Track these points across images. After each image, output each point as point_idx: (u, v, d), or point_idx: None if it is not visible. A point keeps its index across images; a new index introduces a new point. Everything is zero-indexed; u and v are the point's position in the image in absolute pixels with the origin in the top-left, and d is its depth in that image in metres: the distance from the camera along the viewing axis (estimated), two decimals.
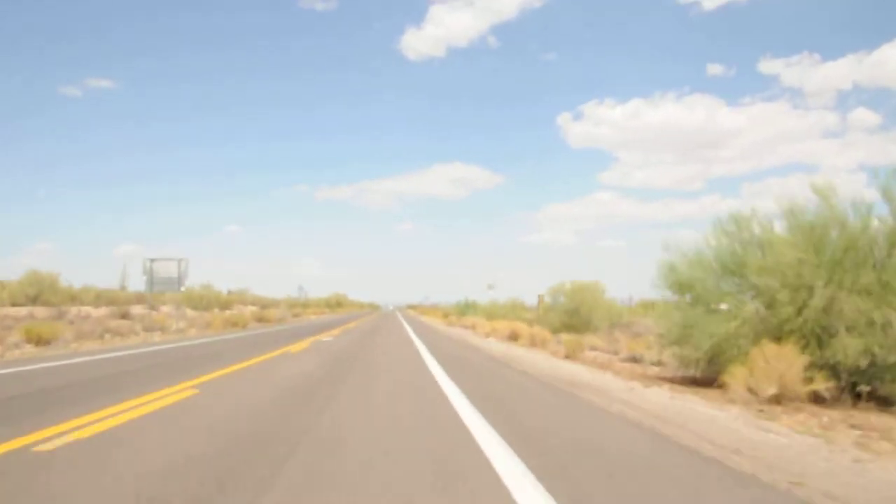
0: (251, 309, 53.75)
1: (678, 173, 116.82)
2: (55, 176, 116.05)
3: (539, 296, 39.28)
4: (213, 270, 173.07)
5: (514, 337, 19.57)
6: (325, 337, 19.49)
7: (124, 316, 29.60)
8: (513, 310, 41.03)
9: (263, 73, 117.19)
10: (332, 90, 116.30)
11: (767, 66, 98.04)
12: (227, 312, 52.53)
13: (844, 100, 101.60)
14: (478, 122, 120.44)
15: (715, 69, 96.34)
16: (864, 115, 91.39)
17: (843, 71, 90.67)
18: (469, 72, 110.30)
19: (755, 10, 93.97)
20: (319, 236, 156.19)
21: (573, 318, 29.84)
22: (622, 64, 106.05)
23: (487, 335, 22.32)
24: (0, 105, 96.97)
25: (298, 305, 68.19)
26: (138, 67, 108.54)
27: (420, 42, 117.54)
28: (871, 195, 7.18)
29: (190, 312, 45.56)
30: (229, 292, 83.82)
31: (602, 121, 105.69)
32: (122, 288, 64.53)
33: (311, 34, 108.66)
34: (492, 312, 39.98)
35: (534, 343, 16.44)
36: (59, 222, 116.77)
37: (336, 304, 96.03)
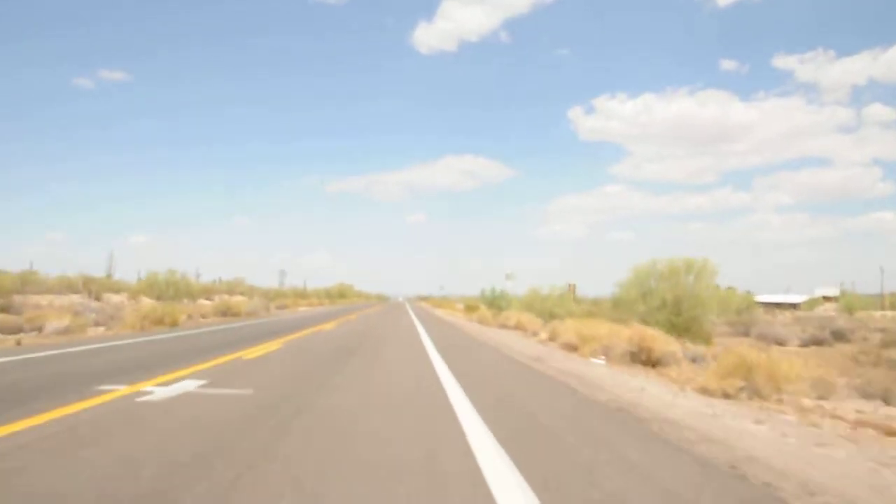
0: (238, 299, 44.29)
1: (690, 166, 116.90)
2: (67, 168, 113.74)
3: (570, 285, 29.40)
4: (221, 261, 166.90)
5: (644, 357, 9.60)
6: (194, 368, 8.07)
7: (5, 309, 20.00)
8: (561, 302, 30.80)
9: (275, 67, 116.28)
10: (343, 83, 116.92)
11: (782, 62, 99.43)
12: (202, 302, 43.29)
13: (859, 95, 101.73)
14: (488, 115, 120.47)
15: (728, 65, 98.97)
16: (879, 111, 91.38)
17: (859, 67, 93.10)
18: (480, 66, 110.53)
19: (769, 7, 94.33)
20: (330, 228, 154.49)
21: (674, 313, 19.94)
22: (634, 59, 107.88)
23: (576, 349, 12.26)
24: (16, 96, 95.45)
25: (291, 296, 58.62)
26: (149, 62, 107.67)
27: (432, 37, 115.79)
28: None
29: (149, 302, 36.08)
30: (220, 281, 75.46)
31: (613, 115, 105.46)
32: (108, 276, 56.85)
33: (323, 28, 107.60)
34: (533, 305, 29.96)
35: (753, 387, 6.47)
36: (71, 213, 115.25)
37: (338, 294, 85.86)
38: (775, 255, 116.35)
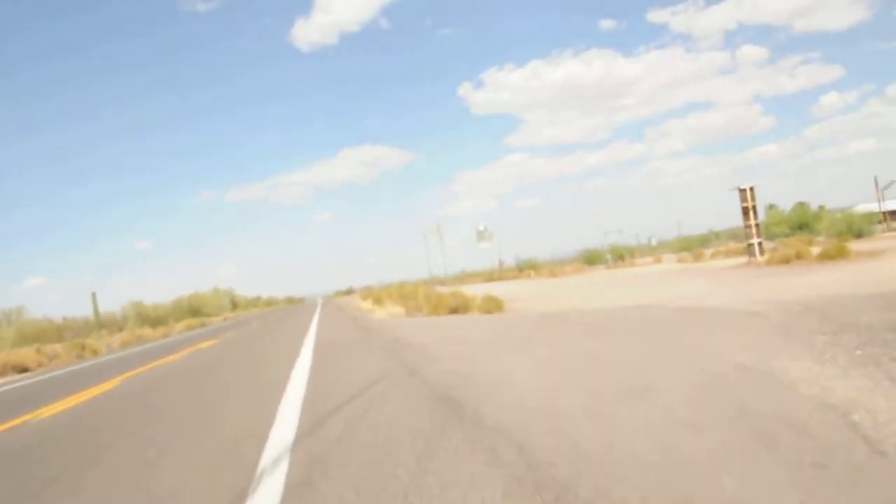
0: None
1: (584, 126, 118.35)
2: None
3: (742, 190, 13.83)
4: (129, 289, 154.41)
5: None
6: None
7: None
8: None
9: (153, 81, 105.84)
10: (226, 92, 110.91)
11: (656, 15, 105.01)
12: None
13: (732, 39, 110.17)
14: (380, 103, 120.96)
15: (607, 24, 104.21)
16: (751, 51, 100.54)
17: (726, 13, 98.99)
18: (364, 55, 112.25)
19: None
20: (236, 238, 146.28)
21: None
22: (518, 29, 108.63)
23: None
24: None
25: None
26: None
27: (311, 32, 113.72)
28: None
29: None
30: None
31: (503, 86, 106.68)
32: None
33: (197, 37, 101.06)
34: None
35: None
36: None
37: (189, 310, 63.96)
38: (680, 199, 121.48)
